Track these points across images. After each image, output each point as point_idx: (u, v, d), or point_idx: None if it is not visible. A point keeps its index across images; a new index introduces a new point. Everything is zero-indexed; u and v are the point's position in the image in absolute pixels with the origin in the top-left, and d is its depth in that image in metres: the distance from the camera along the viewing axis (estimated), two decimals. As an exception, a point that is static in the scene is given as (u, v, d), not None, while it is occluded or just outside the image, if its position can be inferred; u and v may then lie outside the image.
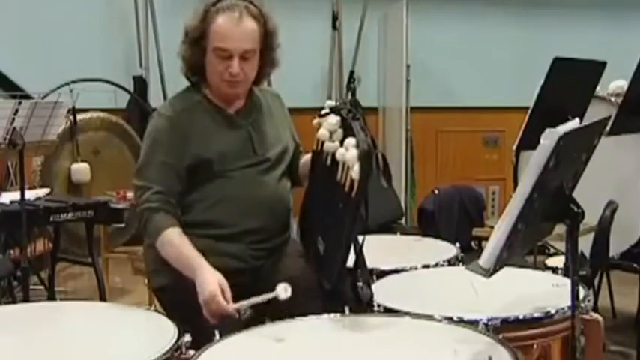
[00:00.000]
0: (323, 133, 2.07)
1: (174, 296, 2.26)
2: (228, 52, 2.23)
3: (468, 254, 2.70)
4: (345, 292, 2.07)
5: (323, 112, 2.10)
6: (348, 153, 1.95)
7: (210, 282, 2.05)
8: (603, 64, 3.27)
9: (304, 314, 1.95)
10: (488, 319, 1.84)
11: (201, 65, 2.30)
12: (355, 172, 1.92)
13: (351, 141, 1.96)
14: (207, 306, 2.04)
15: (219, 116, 2.33)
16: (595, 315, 2.02)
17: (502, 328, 1.84)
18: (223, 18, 2.23)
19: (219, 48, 2.23)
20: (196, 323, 1.93)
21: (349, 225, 2.01)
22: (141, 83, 5.81)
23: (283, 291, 1.97)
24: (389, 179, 1.98)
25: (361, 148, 1.93)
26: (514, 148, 3.31)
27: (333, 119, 2.06)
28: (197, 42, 2.26)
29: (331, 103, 2.14)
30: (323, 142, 2.11)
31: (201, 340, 1.76)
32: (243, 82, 2.30)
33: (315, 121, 2.11)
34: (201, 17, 2.25)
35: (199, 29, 2.25)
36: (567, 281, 1.78)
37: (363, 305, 2.01)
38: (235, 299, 2.34)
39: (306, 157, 2.37)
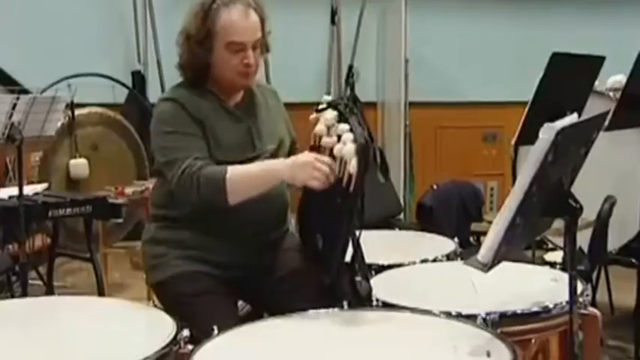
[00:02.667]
0: (320, 128, 2.07)
1: (172, 292, 2.26)
2: (242, 44, 2.24)
3: (467, 249, 2.70)
4: (343, 287, 2.07)
5: (320, 107, 2.10)
6: (346, 147, 1.95)
7: (300, 155, 2.06)
8: (602, 59, 3.26)
9: (302, 309, 1.95)
10: (487, 314, 1.84)
11: (205, 64, 2.30)
12: (352, 166, 1.92)
13: (348, 136, 1.96)
14: (312, 169, 2.00)
15: (221, 109, 2.33)
16: (593, 310, 2.02)
17: (500, 323, 1.84)
18: (230, 13, 2.23)
19: (234, 42, 2.23)
20: (194, 318, 1.93)
21: (347, 219, 2.01)
22: (139, 78, 5.80)
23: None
24: (386, 173, 1.97)
25: (358, 142, 1.93)
26: (513, 143, 3.31)
27: (330, 114, 2.05)
28: (202, 42, 2.25)
29: (328, 98, 2.14)
30: (320, 138, 2.11)
31: (200, 335, 1.77)
32: (255, 72, 2.31)
33: (312, 116, 2.11)
34: (203, 16, 2.24)
35: (203, 29, 2.24)
36: (565, 276, 1.78)
37: (362, 300, 2.02)
38: (233, 295, 2.35)
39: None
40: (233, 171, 2.12)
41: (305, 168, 2.02)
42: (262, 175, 2.14)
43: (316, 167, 2.00)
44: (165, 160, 2.21)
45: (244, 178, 2.14)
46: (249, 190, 2.14)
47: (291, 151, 2.45)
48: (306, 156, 2.05)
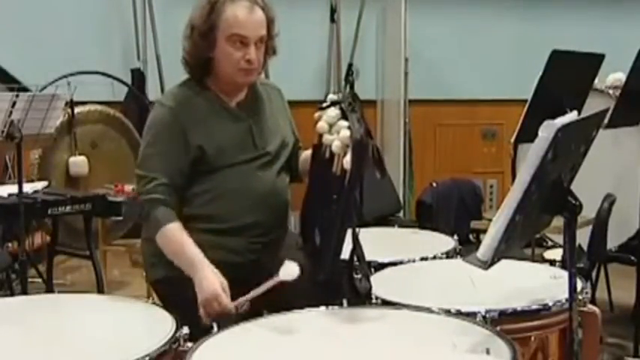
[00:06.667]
0: (321, 125, 2.07)
1: (172, 289, 2.26)
2: (245, 38, 2.25)
3: (466, 247, 2.70)
4: (343, 284, 2.07)
5: (324, 105, 2.10)
6: (336, 142, 1.96)
7: (212, 281, 2.06)
8: (602, 57, 3.26)
9: (302, 307, 1.95)
10: (486, 312, 1.84)
11: (207, 59, 2.30)
12: (347, 162, 1.92)
13: (344, 132, 1.97)
14: (208, 305, 2.04)
15: (220, 109, 2.33)
16: (592, 307, 2.02)
17: (500, 321, 1.84)
18: (235, 7, 2.25)
19: (237, 34, 2.24)
20: (194, 316, 1.93)
21: (341, 213, 2.01)
22: (139, 76, 5.79)
23: (287, 273, 1.95)
24: (382, 170, 1.98)
25: (353, 137, 1.93)
26: (512, 140, 3.31)
27: (333, 112, 2.05)
28: (206, 35, 2.26)
29: (334, 97, 2.14)
30: (322, 135, 2.11)
31: (199, 333, 1.76)
32: (256, 69, 2.32)
33: (317, 114, 2.11)
34: (209, 10, 2.26)
35: (208, 22, 2.26)
36: (565, 274, 1.78)
37: (361, 298, 2.02)
38: (232, 293, 2.34)
39: (306, 153, 2.37)
40: (171, 231, 2.19)
41: (207, 298, 2.05)
42: (180, 261, 2.18)
43: (208, 308, 2.04)
44: (137, 173, 2.28)
45: (170, 246, 2.20)
46: (169, 256, 2.20)
47: (295, 152, 2.45)
48: (213, 290, 2.06)
